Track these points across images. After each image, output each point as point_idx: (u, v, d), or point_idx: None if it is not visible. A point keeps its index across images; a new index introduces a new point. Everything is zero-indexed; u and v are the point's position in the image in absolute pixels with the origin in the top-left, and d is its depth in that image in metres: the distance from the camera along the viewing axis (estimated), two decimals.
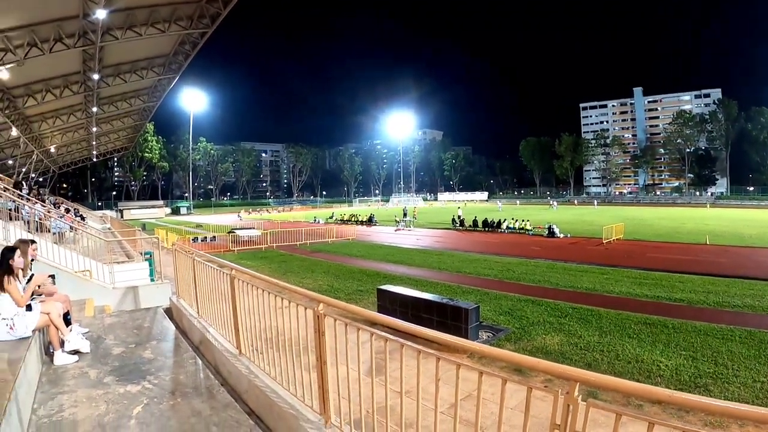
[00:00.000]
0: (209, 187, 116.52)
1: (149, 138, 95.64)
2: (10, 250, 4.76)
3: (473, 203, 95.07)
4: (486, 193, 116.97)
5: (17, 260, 4.74)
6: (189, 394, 4.20)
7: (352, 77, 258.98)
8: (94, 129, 40.64)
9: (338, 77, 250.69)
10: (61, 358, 4.82)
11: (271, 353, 4.01)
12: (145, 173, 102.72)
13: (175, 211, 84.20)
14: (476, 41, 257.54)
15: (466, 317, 8.50)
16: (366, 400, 2.87)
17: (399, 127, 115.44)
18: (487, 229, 35.25)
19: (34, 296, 4.94)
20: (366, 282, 14.66)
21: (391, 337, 2.63)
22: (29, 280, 4.96)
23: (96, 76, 25.01)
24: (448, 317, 8.66)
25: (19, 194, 12.01)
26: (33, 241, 6.06)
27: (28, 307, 4.68)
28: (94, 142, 48.22)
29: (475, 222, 36.63)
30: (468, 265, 18.35)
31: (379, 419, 2.71)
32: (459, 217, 39.25)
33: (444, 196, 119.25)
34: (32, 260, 5.72)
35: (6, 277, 4.57)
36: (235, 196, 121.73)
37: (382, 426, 2.70)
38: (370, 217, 46.50)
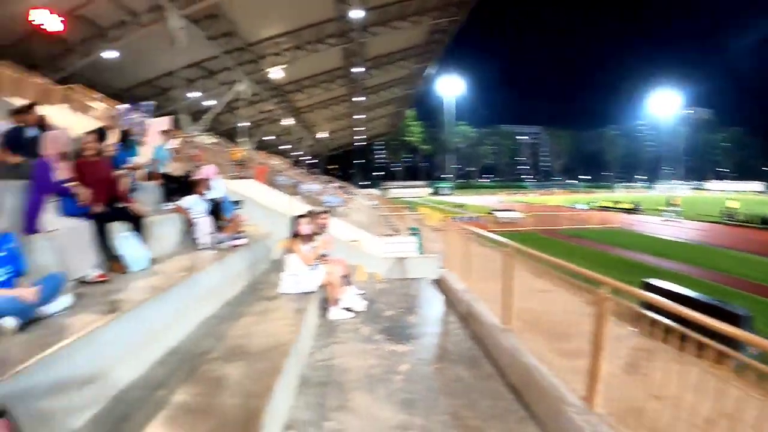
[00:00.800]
0: (468, 168, 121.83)
1: (410, 123, 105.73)
2: (297, 218, 5.77)
3: (752, 194, 74.21)
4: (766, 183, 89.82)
5: (304, 227, 5.71)
6: (453, 361, 4.44)
7: (612, 54, 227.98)
8: (359, 116, 47.25)
9: (597, 54, 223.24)
10: (336, 313, 5.57)
11: (536, 332, 4.12)
12: (409, 156, 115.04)
13: (436, 191, 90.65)
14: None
15: (739, 324, 6.89)
16: (632, 396, 2.87)
17: (664, 106, 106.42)
18: (766, 226, 29.62)
19: (321, 258, 5.76)
20: (626, 273, 13.62)
21: (676, 327, 2.51)
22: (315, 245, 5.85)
23: (357, 70, 28.97)
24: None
25: (296, 173, 14.56)
26: (326, 211, 7.09)
27: (313, 267, 5.51)
28: (359, 128, 56.06)
29: (751, 217, 32.03)
30: (740, 265, 16.73)
31: (641, 419, 2.69)
32: (730, 209, 34.63)
33: (713, 185, 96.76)
34: (323, 227, 6.67)
35: (293, 240, 5.59)
36: (495, 178, 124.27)
37: (645, 427, 2.66)
38: (635, 204, 42.65)
